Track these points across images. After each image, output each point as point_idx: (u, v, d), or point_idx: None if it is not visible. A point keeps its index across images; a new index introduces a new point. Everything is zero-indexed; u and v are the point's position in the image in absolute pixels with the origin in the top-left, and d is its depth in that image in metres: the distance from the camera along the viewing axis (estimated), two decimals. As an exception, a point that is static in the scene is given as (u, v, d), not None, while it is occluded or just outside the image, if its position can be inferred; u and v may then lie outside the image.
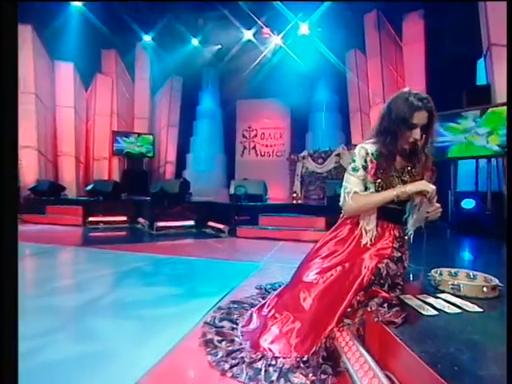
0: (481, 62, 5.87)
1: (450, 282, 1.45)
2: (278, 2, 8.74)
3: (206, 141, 10.67)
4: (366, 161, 1.46)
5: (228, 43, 10.14)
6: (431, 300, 1.32)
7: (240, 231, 4.61)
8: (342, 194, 1.50)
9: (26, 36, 7.49)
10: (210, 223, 5.04)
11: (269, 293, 2.08)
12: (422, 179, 1.44)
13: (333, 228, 1.60)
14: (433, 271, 1.58)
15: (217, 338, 1.50)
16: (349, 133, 9.13)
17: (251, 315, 1.71)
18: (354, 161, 1.49)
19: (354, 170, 1.47)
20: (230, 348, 1.42)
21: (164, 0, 8.95)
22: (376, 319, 1.16)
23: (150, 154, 9.78)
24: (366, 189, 1.46)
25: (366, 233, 1.46)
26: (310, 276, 1.45)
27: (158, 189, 5.18)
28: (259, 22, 9.59)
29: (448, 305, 1.27)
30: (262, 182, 5.23)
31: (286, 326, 1.42)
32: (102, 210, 5.79)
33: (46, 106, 8.20)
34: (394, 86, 8.24)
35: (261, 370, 1.26)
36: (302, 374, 1.23)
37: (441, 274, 1.56)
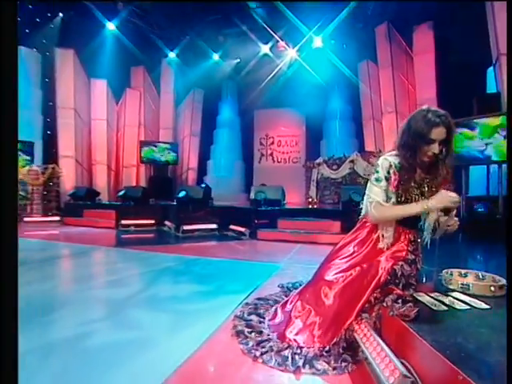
0: (491, 71, 5.81)
1: (459, 282, 1.51)
2: (294, 17, 8.91)
3: (226, 148, 10.90)
4: (388, 172, 1.50)
5: (246, 57, 10.38)
6: (442, 297, 1.39)
7: (260, 234, 4.72)
8: (365, 202, 1.57)
9: (68, 58, 7.98)
10: (232, 226, 5.17)
11: (290, 291, 2.17)
12: (438, 190, 1.46)
13: (352, 231, 1.68)
14: (444, 272, 1.64)
15: (247, 329, 1.61)
16: (362, 140, 9.15)
17: (276, 310, 1.82)
18: (377, 172, 1.53)
19: (377, 180, 1.52)
20: (259, 338, 1.53)
21: (187, 19, 9.29)
22: (391, 313, 1.25)
23: (173, 162, 10.07)
24: (387, 198, 1.50)
25: (384, 238, 1.53)
26: (331, 275, 1.54)
27: (184, 194, 5.37)
28: (275, 37, 9.78)
29: (457, 302, 1.33)
30: (281, 187, 5.34)
31: (309, 319, 1.52)
32: (133, 213, 6.02)
33: (82, 120, 8.63)
34: (405, 95, 8.23)
35: (288, 357, 1.36)
36: (324, 361, 1.33)
37: (451, 274, 1.62)
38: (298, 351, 1.40)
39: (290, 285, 2.35)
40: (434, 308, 1.28)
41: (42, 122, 8.04)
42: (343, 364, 1.31)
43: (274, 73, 10.25)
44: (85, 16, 8.09)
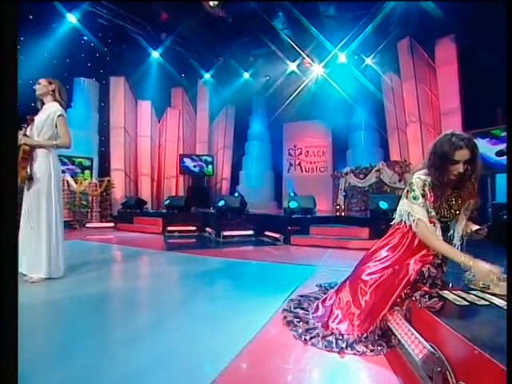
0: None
1: (481, 282, 1.68)
2: (319, 35, 9.17)
3: (256, 159, 11.25)
4: (424, 189, 1.66)
5: (275, 74, 10.75)
6: (464, 295, 1.56)
7: (294, 240, 4.96)
8: (398, 212, 1.78)
9: (119, 85, 8.76)
10: (267, 233, 5.44)
11: (327, 290, 2.38)
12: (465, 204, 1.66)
13: (384, 236, 1.88)
14: (467, 273, 1.80)
15: (295, 319, 1.86)
16: (387, 149, 9.13)
17: (317, 305, 2.05)
18: (413, 190, 1.67)
19: (415, 198, 1.66)
20: (307, 327, 1.77)
21: (220, 42, 9.86)
22: (419, 306, 1.45)
23: (209, 173, 10.57)
24: (428, 213, 1.65)
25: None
26: (367, 275, 1.76)
27: (223, 203, 5.73)
28: (302, 54, 10.08)
29: (478, 299, 1.51)
30: (312, 197, 5.55)
31: (348, 311, 1.75)
32: (177, 221, 6.48)
33: (130, 137, 9.35)
34: (428, 105, 8.15)
35: (332, 341, 1.60)
36: (363, 345, 1.56)
37: (474, 276, 1.78)
38: (340, 337, 1.63)
39: (327, 284, 2.57)
40: (457, 303, 1.46)
41: (98, 140, 8.83)
42: (379, 348, 1.53)
43: (300, 88, 10.51)
44: (134, 47, 8.88)
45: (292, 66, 10.26)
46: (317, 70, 10.16)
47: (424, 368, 1.16)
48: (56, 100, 2.92)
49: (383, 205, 4.71)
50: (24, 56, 7.97)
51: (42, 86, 2.89)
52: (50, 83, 2.90)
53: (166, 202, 6.68)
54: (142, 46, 8.92)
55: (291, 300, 2.25)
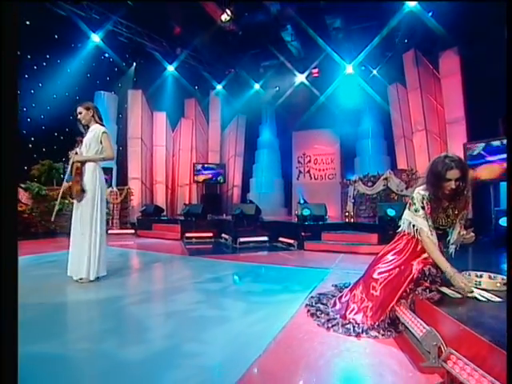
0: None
1: (474, 280, 2.02)
2: (327, 47, 9.62)
3: (266, 167, 11.63)
4: (423, 203, 2.02)
5: (284, 85, 11.17)
6: (460, 290, 1.92)
7: (307, 245, 5.31)
8: (403, 221, 2.13)
9: (137, 97, 9.29)
10: (281, 239, 5.80)
11: (342, 288, 2.74)
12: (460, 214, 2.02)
13: (391, 242, 2.24)
14: (463, 272, 2.15)
15: (317, 312, 2.23)
16: (394, 156, 9.44)
17: (335, 301, 2.41)
18: (414, 204, 2.01)
19: (416, 211, 2.01)
20: (328, 317, 2.14)
21: (231, 55, 10.37)
22: (421, 297, 1.81)
23: (221, 180, 11.00)
24: (427, 221, 1.99)
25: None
26: (377, 274, 2.13)
27: (239, 211, 6.12)
28: (310, 65, 10.53)
29: (472, 294, 1.86)
30: (323, 205, 5.91)
31: (362, 305, 2.11)
32: (194, 227, 6.88)
33: (147, 147, 9.85)
34: (434, 114, 8.44)
35: (350, 328, 1.96)
36: (375, 331, 1.92)
37: (469, 275, 2.12)
38: (357, 325, 1.98)
39: (342, 284, 2.92)
40: (452, 296, 1.81)
41: (116, 150, 9.34)
42: (388, 333, 1.89)
43: (309, 98, 10.92)
44: (151, 62, 9.44)
45: (301, 77, 10.68)
46: (324, 80, 10.56)
47: (424, 343, 1.52)
48: (97, 122, 3.37)
49: (391, 212, 5.04)
50: (49, 72, 8.56)
51: (84, 115, 3.32)
52: (88, 109, 3.34)
53: (185, 210, 7.10)
54: (158, 60, 9.48)
55: (312, 297, 2.62)
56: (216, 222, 7.17)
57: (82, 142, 3.32)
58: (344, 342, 1.83)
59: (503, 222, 4.60)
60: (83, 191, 3.14)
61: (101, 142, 3.28)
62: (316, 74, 10.85)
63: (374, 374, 1.49)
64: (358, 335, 1.89)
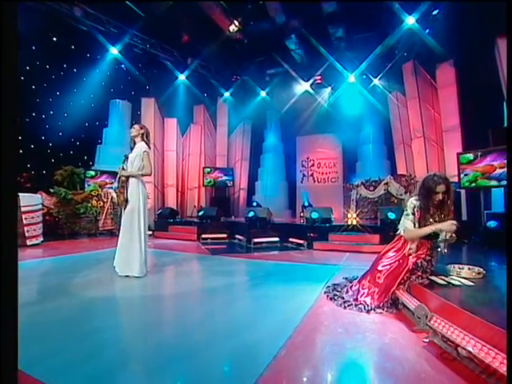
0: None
1: (456, 271, 2.67)
2: (329, 56, 10.28)
3: (271, 171, 12.23)
4: (413, 209, 2.68)
5: (289, 92, 11.77)
6: (445, 278, 2.56)
7: (316, 245, 5.95)
8: (400, 225, 2.79)
9: (150, 105, 9.88)
10: (291, 239, 6.44)
11: (352, 280, 3.38)
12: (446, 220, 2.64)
13: (392, 242, 2.89)
14: (448, 265, 2.80)
15: (335, 297, 2.89)
16: (394, 161, 10.07)
17: (347, 289, 3.04)
18: (407, 210, 2.70)
19: (407, 215, 2.66)
20: (343, 300, 2.79)
21: (238, 63, 11.01)
22: (415, 283, 2.47)
23: (230, 183, 11.63)
24: (414, 225, 2.64)
25: (410, 248, 2.68)
26: (381, 267, 2.77)
27: (253, 214, 6.76)
28: (314, 73, 11.17)
29: (453, 281, 2.49)
30: (330, 208, 6.57)
31: (370, 290, 2.75)
32: (209, 229, 7.50)
33: (158, 152, 10.44)
34: (431, 122, 9.07)
35: (361, 307, 2.60)
36: (381, 309, 2.57)
37: (453, 268, 2.77)
38: (367, 305, 2.63)
39: (351, 277, 3.57)
40: (439, 282, 2.46)
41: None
42: (391, 310, 2.54)
43: (312, 104, 11.55)
44: (163, 71, 10.06)
45: (305, 85, 11.30)
46: (328, 88, 11.21)
47: (416, 313, 2.17)
48: (143, 140, 4.00)
49: (391, 215, 5.70)
50: (67, 81, 9.18)
51: (135, 130, 3.97)
52: (142, 128, 3.99)
53: (201, 213, 7.72)
54: (170, 69, 10.09)
55: (328, 286, 3.26)
56: (229, 223, 7.81)
57: (127, 158, 3.95)
58: (358, 315, 2.48)
59: (491, 224, 5.25)
60: (126, 201, 3.77)
61: (142, 160, 3.90)
62: (319, 81, 11.47)
63: (381, 334, 2.14)
64: (368, 312, 2.54)
